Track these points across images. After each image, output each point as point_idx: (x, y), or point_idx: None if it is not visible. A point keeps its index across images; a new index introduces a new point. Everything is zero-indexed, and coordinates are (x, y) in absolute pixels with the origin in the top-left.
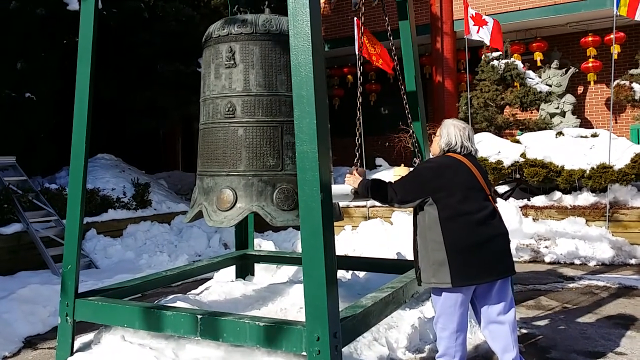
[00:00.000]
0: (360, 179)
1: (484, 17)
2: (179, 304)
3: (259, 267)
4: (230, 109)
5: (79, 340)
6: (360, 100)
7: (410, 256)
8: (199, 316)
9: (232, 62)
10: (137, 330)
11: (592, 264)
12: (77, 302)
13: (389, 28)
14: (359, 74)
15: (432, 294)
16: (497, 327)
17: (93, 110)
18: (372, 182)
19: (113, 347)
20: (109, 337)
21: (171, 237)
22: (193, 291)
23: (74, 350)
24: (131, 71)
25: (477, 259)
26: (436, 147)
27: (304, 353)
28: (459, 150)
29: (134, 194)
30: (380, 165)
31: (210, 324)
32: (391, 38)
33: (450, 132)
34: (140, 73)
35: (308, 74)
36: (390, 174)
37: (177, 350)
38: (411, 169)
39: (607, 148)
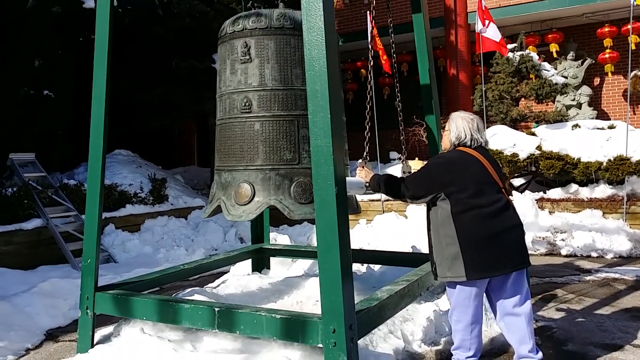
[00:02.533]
0: (372, 173)
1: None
2: (196, 297)
3: (274, 261)
4: (247, 104)
5: (99, 333)
6: (371, 94)
7: (425, 249)
8: (216, 309)
9: (248, 57)
10: (155, 323)
11: (609, 256)
12: (96, 295)
13: (391, 25)
14: (369, 67)
15: (446, 287)
16: (513, 319)
17: (110, 107)
18: (385, 178)
19: (132, 340)
20: (128, 330)
21: (188, 231)
22: (210, 284)
23: (95, 342)
24: (146, 68)
25: (490, 251)
26: (446, 141)
27: (320, 345)
28: (469, 143)
29: (151, 189)
30: (394, 159)
31: (227, 317)
32: (392, 35)
33: (459, 126)
34: (154, 69)
35: (322, 68)
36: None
37: (195, 343)
38: (424, 162)
39: (625, 140)
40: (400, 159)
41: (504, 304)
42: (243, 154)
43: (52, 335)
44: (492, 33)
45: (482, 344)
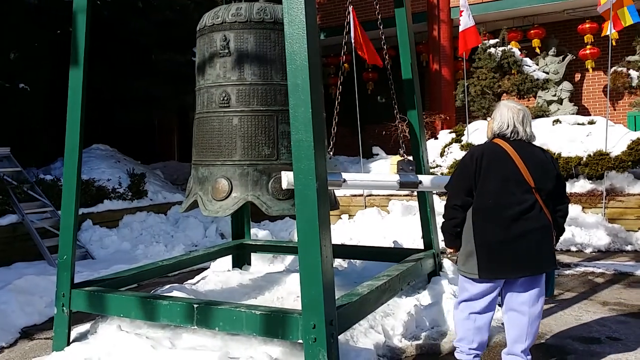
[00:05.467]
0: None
1: (461, 17)
2: (175, 293)
3: (255, 257)
4: (225, 98)
5: (75, 330)
6: (340, 90)
7: (406, 244)
8: (195, 305)
9: (227, 50)
10: (133, 320)
11: (588, 250)
12: (73, 292)
13: (379, 17)
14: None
15: (460, 277)
16: (516, 315)
17: (87, 101)
18: (442, 226)
19: (109, 337)
20: (105, 327)
21: (167, 227)
22: (189, 281)
23: (71, 340)
24: (126, 61)
25: (502, 256)
26: (489, 131)
27: (300, 341)
28: (509, 135)
29: (130, 184)
30: (377, 154)
31: (206, 313)
32: (381, 27)
33: (503, 115)
34: (135, 63)
35: (303, 62)
36: (387, 164)
37: (173, 340)
38: (410, 157)
39: (604, 135)
40: (401, 154)
41: (512, 299)
42: (221, 149)
43: (28, 333)
44: (465, 21)
45: (487, 339)
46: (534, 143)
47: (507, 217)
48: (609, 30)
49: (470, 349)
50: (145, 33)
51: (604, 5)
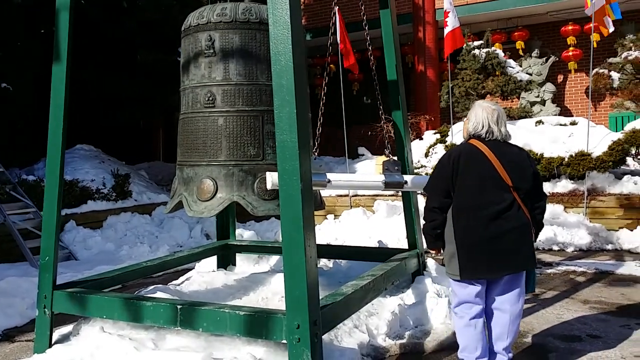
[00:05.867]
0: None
1: (447, 18)
2: (159, 294)
3: (240, 257)
4: (210, 99)
5: (58, 332)
6: (325, 90)
7: (391, 244)
8: (179, 306)
9: (212, 51)
10: (116, 321)
11: (570, 250)
12: (55, 293)
13: (364, 18)
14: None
15: (450, 280)
16: (498, 313)
17: (71, 101)
18: (423, 227)
19: (92, 339)
20: (88, 329)
21: (152, 228)
22: (174, 282)
23: (52, 342)
24: (110, 61)
25: (484, 255)
26: (464, 131)
27: (284, 341)
28: (484, 135)
29: (114, 185)
30: (363, 155)
31: (190, 314)
32: (366, 28)
33: (478, 115)
34: (119, 63)
35: (288, 63)
36: (373, 164)
37: (157, 341)
38: (395, 158)
39: (586, 136)
40: (387, 155)
41: (493, 298)
42: (206, 149)
43: (8, 335)
44: (452, 22)
45: (487, 343)
46: (510, 142)
47: (486, 217)
48: (610, 27)
49: (477, 358)
50: (130, 33)
51: (591, 7)
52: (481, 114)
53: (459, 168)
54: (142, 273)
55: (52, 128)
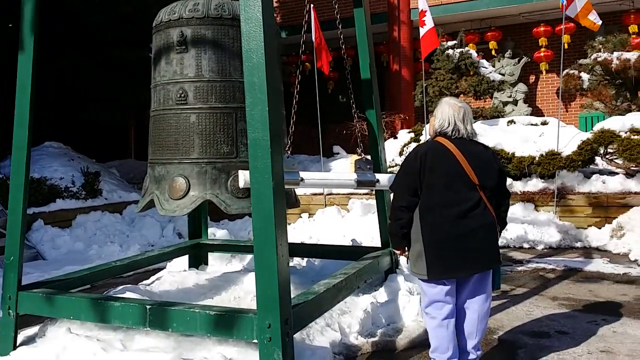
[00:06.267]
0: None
1: (424, 18)
2: (128, 294)
3: (213, 257)
4: (182, 95)
5: (23, 334)
6: (298, 89)
7: (365, 242)
8: (148, 306)
9: (184, 47)
10: (84, 322)
11: (540, 247)
12: (20, 294)
13: (338, 16)
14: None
15: (418, 281)
16: (467, 312)
17: (38, 97)
18: (389, 226)
19: (58, 340)
20: (54, 330)
21: (123, 227)
22: (144, 282)
23: (17, 344)
24: (82, 56)
25: (452, 254)
26: (431, 129)
27: (255, 341)
28: (450, 132)
29: (84, 183)
30: (338, 153)
31: (160, 314)
32: (340, 26)
33: (444, 112)
34: (89, 58)
35: (260, 60)
36: (347, 162)
37: (125, 342)
38: (367, 157)
39: (556, 135)
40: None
41: (462, 298)
42: (178, 147)
43: None
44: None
45: (456, 342)
46: (476, 140)
47: (453, 216)
48: (598, 21)
49: (447, 358)
50: (101, 28)
51: (572, 7)
52: (447, 112)
53: (425, 166)
54: (112, 273)
55: (18, 124)
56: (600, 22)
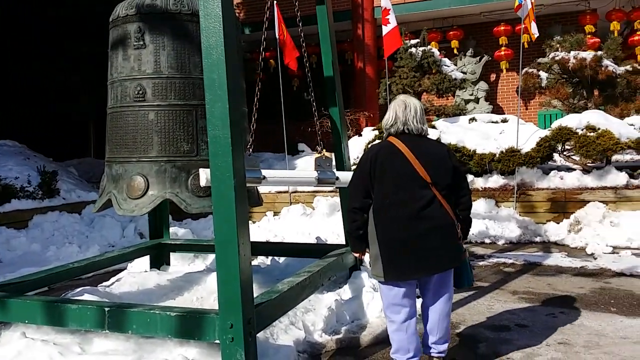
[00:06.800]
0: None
1: (388, 16)
2: (86, 296)
3: (175, 257)
4: (140, 92)
5: None
6: (260, 86)
7: (330, 240)
8: (107, 308)
9: (142, 42)
10: (40, 326)
11: (500, 242)
12: None
13: (298, 14)
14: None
15: (378, 283)
16: (429, 311)
17: None
18: (347, 229)
19: (12, 345)
20: (9, 335)
21: (82, 227)
22: (104, 283)
23: None
24: (34, 51)
25: (406, 255)
26: (383, 127)
27: (218, 341)
28: (397, 129)
29: (40, 182)
30: (303, 151)
31: (119, 317)
32: (300, 24)
33: (389, 110)
34: (44, 52)
35: (219, 57)
36: (312, 160)
37: (83, 345)
38: (328, 154)
39: (516, 133)
40: (319, 151)
41: (425, 296)
42: (136, 145)
43: None
44: (392, 20)
45: (420, 342)
46: (428, 136)
47: (406, 216)
48: (534, 31)
49: (407, 359)
50: (56, 21)
51: (522, 10)
52: (396, 109)
53: (376, 167)
54: (70, 275)
55: None
56: (537, 35)
